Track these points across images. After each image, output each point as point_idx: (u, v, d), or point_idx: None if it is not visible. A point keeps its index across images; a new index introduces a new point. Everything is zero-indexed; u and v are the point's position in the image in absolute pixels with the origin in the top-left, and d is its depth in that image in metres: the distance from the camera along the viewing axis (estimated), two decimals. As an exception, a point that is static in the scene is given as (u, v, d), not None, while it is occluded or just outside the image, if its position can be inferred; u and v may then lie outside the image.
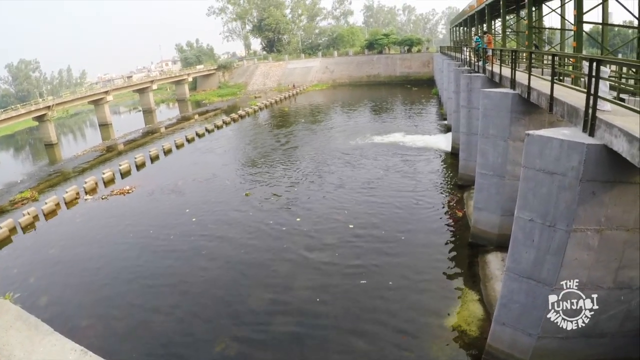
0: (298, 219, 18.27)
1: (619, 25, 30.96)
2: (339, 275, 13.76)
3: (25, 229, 21.08)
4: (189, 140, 37.33)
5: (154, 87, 68.59)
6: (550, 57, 10.01)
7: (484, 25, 30.69)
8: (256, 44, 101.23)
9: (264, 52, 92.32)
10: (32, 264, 17.19)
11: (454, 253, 14.58)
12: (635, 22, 11.06)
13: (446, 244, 15.27)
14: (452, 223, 16.81)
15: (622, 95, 8.81)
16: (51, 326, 5.22)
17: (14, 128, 63.94)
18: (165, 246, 17.11)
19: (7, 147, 57.87)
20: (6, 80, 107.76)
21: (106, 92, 58.24)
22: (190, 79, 77.47)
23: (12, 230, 20.86)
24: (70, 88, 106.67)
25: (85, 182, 26.28)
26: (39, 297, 14.23)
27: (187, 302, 13.02)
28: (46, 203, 23.12)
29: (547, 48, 24.22)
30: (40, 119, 48.18)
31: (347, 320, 11.50)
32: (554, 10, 20.84)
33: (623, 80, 9.27)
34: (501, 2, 21.15)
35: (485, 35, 19.31)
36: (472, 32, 35.87)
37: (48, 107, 48.23)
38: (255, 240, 16.85)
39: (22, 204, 25.22)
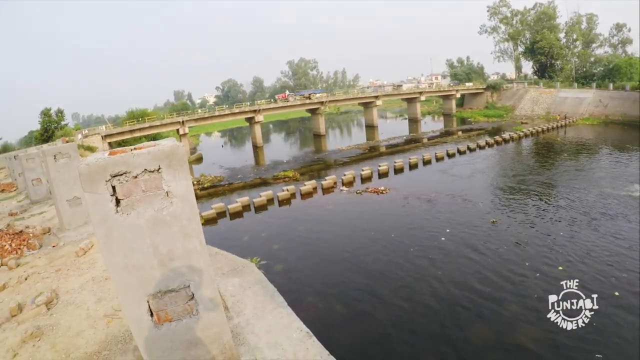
0: (560, 268, 14.60)
1: None
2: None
3: (281, 202, 24.12)
4: (449, 155, 36.17)
5: (422, 98, 71.03)
6: None
7: None
8: (527, 67, 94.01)
9: (535, 77, 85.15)
10: (278, 233, 19.16)
11: None
12: None
13: None
14: None
15: None
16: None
17: (288, 116, 75.73)
18: (407, 252, 16.09)
19: (280, 131, 68.31)
20: (286, 74, 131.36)
21: (376, 97, 62.88)
22: (458, 95, 77.45)
23: (270, 200, 24.29)
24: (343, 89, 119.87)
25: (344, 175, 28.30)
26: (276, 263, 15.56)
27: (418, 308, 11.98)
28: (305, 185, 26.05)
29: None
30: (313, 112, 55.10)
31: None
32: None
33: None
34: None
35: None
36: None
37: (321, 103, 54.70)
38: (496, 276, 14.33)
39: (284, 181, 29.22)
